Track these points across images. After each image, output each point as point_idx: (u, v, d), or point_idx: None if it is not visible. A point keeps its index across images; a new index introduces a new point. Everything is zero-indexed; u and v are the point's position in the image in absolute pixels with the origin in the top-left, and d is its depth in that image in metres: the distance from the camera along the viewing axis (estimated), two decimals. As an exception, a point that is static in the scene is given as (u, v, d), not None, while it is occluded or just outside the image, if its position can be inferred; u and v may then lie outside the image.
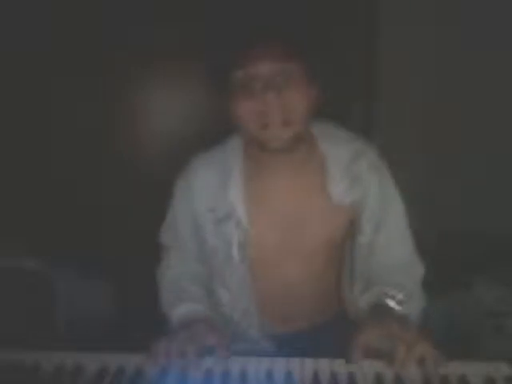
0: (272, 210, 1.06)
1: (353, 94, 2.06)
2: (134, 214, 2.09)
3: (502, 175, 2.04)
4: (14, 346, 0.90)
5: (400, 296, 0.98)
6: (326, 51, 1.63)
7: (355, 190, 1.05)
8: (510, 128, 2.05)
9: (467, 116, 2.06)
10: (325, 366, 0.85)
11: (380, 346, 0.85)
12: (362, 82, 2.06)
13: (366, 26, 2.03)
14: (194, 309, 1.04)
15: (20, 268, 1.80)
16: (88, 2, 1.95)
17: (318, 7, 1.91)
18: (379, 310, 0.96)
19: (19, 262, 1.82)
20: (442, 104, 2.07)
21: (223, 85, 0.96)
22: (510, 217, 1.99)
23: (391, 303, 0.97)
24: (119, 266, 1.97)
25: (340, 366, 0.85)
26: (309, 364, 0.86)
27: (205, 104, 2.08)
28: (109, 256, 2.01)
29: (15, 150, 2.05)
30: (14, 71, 1.99)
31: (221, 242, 1.08)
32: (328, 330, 1.13)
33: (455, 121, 2.06)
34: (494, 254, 1.98)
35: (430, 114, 2.09)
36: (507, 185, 2.04)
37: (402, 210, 1.10)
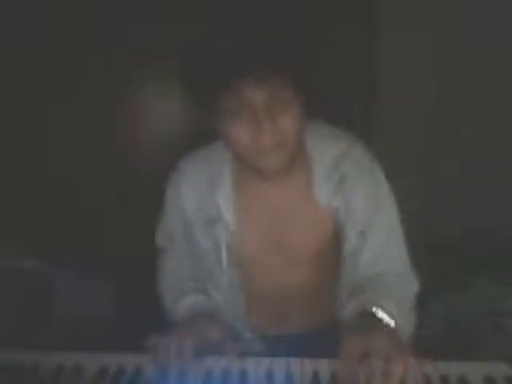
0: (259, 214, 1.04)
1: (353, 95, 2.06)
2: (134, 214, 2.08)
3: (501, 175, 2.04)
4: (13, 346, 0.90)
5: (389, 305, 0.89)
6: (327, 51, 1.63)
7: (340, 192, 0.99)
8: (510, 128, 2.05)
9: (467, 116, 2.06)
10: (325, 366, 0.85)
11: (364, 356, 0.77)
12: (362, 82, 2.06)
13: (366, 26, 2.03)
14: (198, 301, 1.03)
15: (20, 268, 1.80)
16: (88, 2, 1.95)
17: (317, 7, 1.91)
18: (366, 321, 0.86)
19: (19, 262, 1.81)
20: (442, 104, 2.07)
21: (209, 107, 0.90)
22: (510, 217, 1.99)
23: (379, 313, 0.88)
24: (119, 266, 1.97)
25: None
26: (309, 364, 0.86)
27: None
28: (109, 256, 2.01)
29: (15, 150, 2.05)
30: (14, 71, 1.99)
31: (210, 243, 1.06)
32: (320, 335, 1.09)
33: (455, 121, 2.05)
34: (493, 254, 1.98)
35: (430, 114, 2.09)
36: (507, 185, 2.04)
37: (394, 214, 1.01)
